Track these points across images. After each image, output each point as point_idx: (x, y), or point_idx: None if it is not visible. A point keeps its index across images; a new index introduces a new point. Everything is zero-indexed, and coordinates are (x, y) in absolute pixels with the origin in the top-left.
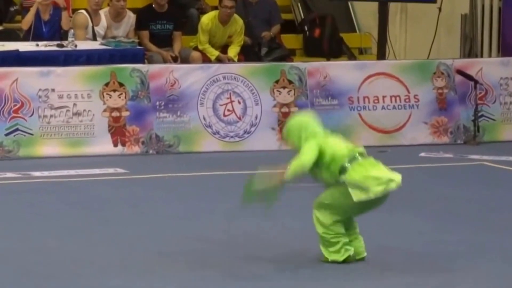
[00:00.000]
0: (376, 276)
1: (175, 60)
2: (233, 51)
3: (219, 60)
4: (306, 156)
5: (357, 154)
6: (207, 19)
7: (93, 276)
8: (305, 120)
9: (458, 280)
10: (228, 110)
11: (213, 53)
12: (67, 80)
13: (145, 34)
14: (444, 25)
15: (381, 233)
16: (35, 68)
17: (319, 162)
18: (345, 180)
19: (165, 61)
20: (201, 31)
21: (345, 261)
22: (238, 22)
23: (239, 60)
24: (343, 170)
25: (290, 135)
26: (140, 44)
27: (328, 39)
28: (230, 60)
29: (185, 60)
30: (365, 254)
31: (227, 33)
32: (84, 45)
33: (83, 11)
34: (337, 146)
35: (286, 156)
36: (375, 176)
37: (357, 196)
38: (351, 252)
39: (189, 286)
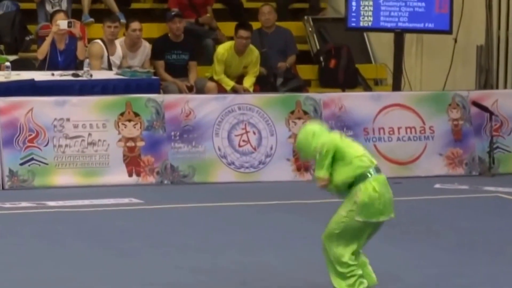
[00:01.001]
0: None
1: (190, 90)
2: (248, 82)
3: (234, 91)
4: (320, 170)
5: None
6: (223, 49)
7: None
8: (315, 129)
9: None
10: (243, 141)
11: (229, 83)
12: (82, 110)
13: (161, 64)
14: (459, 56)
15: (395, 265)
16: (50, 97)
17: (337, 161)
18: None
19: (180, 91)
20: (217, 62)
21: None
22: (253, 53)
23: (255, 91)
24: (363, 177)
25: (303, 147)
26: (155, 74)
27: (343, 70)
28: (246, 91)
29: (200, 90)
30: (375, 280)
31: (242, 63)
32: (100, 74)
33: (98, 41)
34: (357, 148)
35: (301, 187)
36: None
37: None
38: (365, 285)
39: None
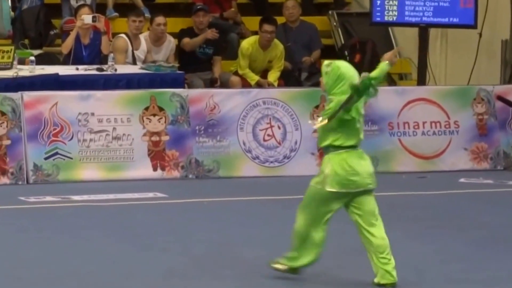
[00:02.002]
0: None
1: (214, 82)
2: (273, 76)
3: (259, 85)
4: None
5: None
6: (247, 44)
7: None
8: (352, 73)
9: None
10: (268, 135)
11: (253, 78)
12: (106, 104)
13: (187, 40)
14: (484, 50)
15: (419, 259)
16: (74, 92)
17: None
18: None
19: (205, 84)
20: (241, 56)
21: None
22: (278, 47)
23: (279, 85)
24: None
25: (329, 77)
26: (180, 68)
27: (368, 64)
28: (270, 85)
29: (225, 84)
30: (309, 261)
31: (267, 58)
32: (124, 69)
33: (123, 35)
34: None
35: None
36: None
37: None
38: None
39: None
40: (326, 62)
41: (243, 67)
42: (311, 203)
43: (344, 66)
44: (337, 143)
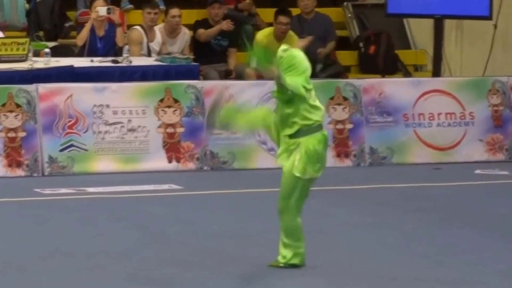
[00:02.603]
0: None
1: (229, 74)
2: None
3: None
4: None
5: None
6: (262, 35)
7: None
8: (306, 66)
9: None
10: None
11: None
12: (121, 96)
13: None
14: (499, 42)
15: (434, 250)
16: (89, 84)
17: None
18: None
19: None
20: None
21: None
22: (293, 39)
23: None
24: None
25: (285, 63)
26: (195, 60)
27: (383, 55)
28: None
29: (240, 76)
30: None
31: None
32: (139, 61)
33: (138, 27)
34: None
35: (341, 173)
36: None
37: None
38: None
39: None
40: (283, 47)
41: None
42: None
43: (299, 56)
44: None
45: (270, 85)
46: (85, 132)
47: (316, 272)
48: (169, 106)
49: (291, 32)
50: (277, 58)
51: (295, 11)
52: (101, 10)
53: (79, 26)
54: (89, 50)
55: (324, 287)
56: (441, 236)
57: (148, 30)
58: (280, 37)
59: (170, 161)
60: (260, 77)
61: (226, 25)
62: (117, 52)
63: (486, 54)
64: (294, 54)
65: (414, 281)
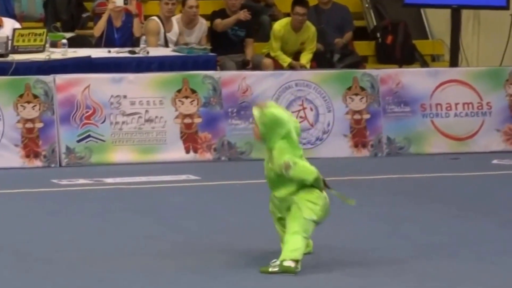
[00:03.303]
0: (448, 283)
1: (246, 64)
2: (305, 58)
3: (291, 67)
4: (309, 168)
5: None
6: (280, 26)
7: (162, 285)
8: (284, 118)
9: None
10: (301, 117)
11: (286, 60)
12: (139, 87)
13: (219, 20)
14: None
15: (451, 240)
16: (107, 74)
17: None
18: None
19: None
20: (274, 38)
21: None
22: (310, 29)
23: (311, 67)
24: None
25: (265, 126)
26: (212, 50)
27: (400, 45)
28: (302, 67)
29: (257, 66)
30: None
31: (299, 40)
32: (156, 51)
33: (155, 17)
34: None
35: (358, 163)
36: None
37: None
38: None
39: None
40: (256, 109)
41: (275, 49)
42: None
43: (278, 112)
44: None
45: (288, 76)
46: (102, 123)
47: (331, 263)
48: (186, 97)
49: (308, 23)
50: (256, 123)
51: (312, 1)
52: (118, 0)
53: (96, 16)
54: (106, 40)
55: (340, 277)
56: (458, 226)
57: (166, 20)
58: (297, 28)
59: (187, 152)
60: (277, 67)
61: (243, 15)
62: (134, 42)
63: (503, 44)
64: (272, 112)
65: (431, 272)
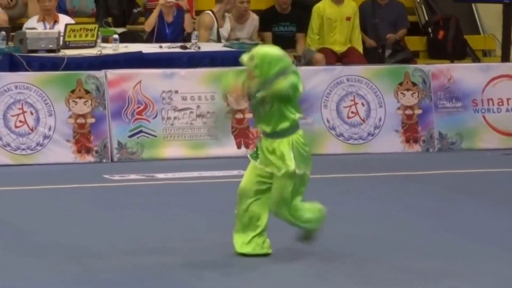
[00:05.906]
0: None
1: (298, 59)
2: (357, 42)
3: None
4: (298, 84)
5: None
6: (320, 3)
7: (213, 279)
8: (278, 51)
9: None
10: (352, 112)
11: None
12: (190, 82)
13: (268, 35)
14: None
15: (504, 234)
16: (158, 70)
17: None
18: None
19: None
20: (315, 16)
21: None
22: (351, 2)
23: (362, 63)
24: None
25: (264, 65)
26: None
27: (452, 41)
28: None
29: (308, 62)
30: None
31: (343, 14)
32: (208, 47)
33: (209, 12)
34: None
35: (410, 159)
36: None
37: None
38: None
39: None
40: (245, 56)
41: (313, 29)
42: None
43: (268, 49)
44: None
45: (339, 70)
46: (154, 118)
47: (383, 258)
48: None
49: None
50: (250, 71)
51: None
52: None
53: (147, 12)
54: (158, 36)
55: (394, 272)
56: (510, 221)
57: (219, 16)
58: (338, 1)
59: (239, 147)
60: (329, 62)
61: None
62: (186, 38)
63: None
64: (262, 52)
65: (484, 267)
